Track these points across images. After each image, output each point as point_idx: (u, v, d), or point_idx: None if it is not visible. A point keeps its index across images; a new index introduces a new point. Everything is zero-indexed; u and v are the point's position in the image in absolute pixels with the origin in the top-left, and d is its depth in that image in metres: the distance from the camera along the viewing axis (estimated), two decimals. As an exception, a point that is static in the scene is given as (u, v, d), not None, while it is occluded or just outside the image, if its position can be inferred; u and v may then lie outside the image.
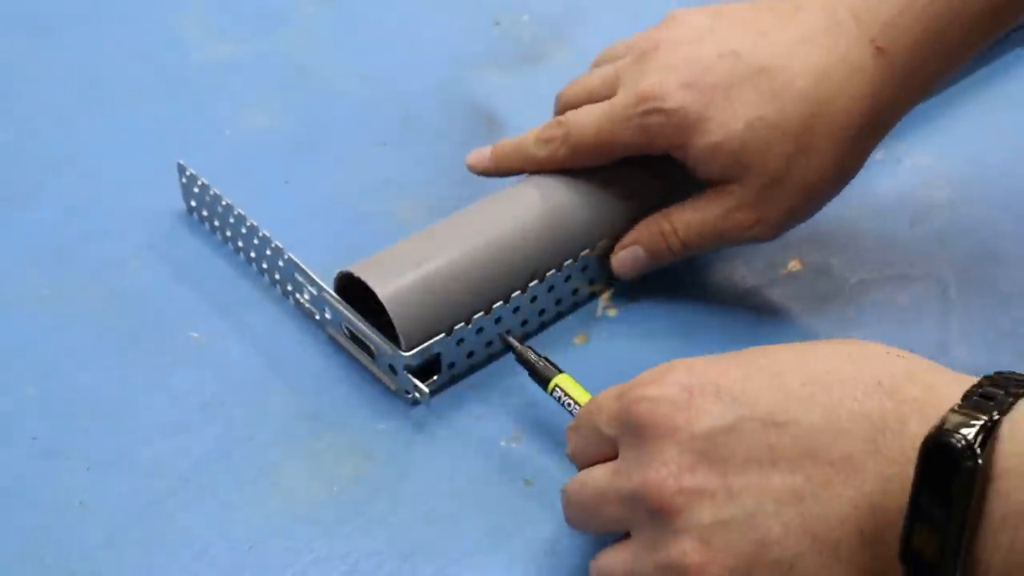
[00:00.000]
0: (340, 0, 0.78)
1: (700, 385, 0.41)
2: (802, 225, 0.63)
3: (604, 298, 0.59)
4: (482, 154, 0.59)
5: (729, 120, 0.52)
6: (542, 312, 0.57)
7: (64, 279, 0.59)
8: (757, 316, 0.58)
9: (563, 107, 0.59)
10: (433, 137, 0.68)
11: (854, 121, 0.53)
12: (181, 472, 0.50)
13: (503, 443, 0.52)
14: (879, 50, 0.52)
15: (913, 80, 0.53)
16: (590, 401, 0.47)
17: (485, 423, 0.53)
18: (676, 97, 0.53)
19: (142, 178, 0.64)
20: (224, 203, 0.59)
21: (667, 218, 0.56)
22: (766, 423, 0.39)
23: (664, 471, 0.40)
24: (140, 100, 0.70)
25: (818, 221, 0.63)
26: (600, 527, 0.44)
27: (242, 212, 0.58)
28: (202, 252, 0.61)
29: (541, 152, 0.57)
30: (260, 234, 0.57)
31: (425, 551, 0.48)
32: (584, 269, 0.57)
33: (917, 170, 0.67)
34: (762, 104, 0.52)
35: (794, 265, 0.61)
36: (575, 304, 0.58)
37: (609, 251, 0.58)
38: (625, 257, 0.57)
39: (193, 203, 0.62)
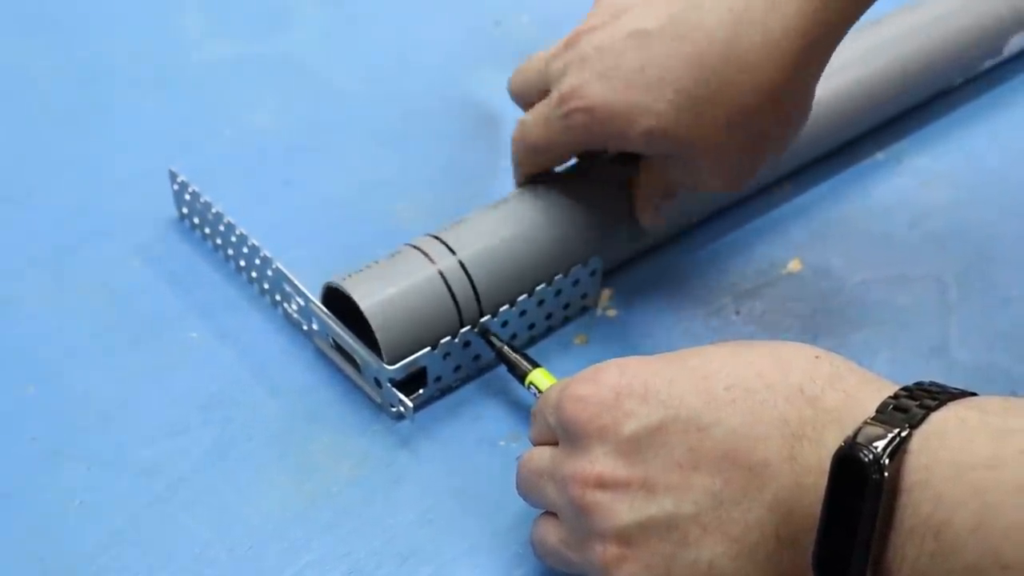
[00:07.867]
0: (340, 0, 0.78)
1: (629, 385, 0.41)
2: (802, 225, 0.63)
3: (604, 298, 0.59)
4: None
5: (653, 103, 0.50)
6: (532, 326, 0.56)
7: (64, 279, 0.59)
8: (757, 316, 0.58)
9: (513, 94, 0.59)
10: (433, 137, 0.68)
11: (784, 61, 0.48)
12: (180, 472, 0.50)
13: (502, 443, 0.52)
14: None
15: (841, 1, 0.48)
16: (544, 391, 0.48)
17: (483, 423, 0.53)
18: (594, 92, 0.51)
19: (142, 178, 0.64)
20: (214, 211, 0.58)
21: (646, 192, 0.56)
22: (689, 425, 0.40)
23: (588, 468, 0.41)
24: (140, 100, 0.70)
25: (818, 221, 0.63)
26: (540, 503, 0.45)
27: (232, 220, 0.57)
28: (193, 259, 0.60)
29: (515, 157, 0.57)
30: (250, 243, 0.56)
31: (423, 551, 0.48)
32: (576, 283, 0.56)
33: (917, 170, 0.67)
34: (681, 77, 0.49)
35: (794, 265, 0.61)
36: (566, 318, 0.57)
37: (601, 266, 0.57)
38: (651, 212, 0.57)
39: (185, 210, 0.61)
